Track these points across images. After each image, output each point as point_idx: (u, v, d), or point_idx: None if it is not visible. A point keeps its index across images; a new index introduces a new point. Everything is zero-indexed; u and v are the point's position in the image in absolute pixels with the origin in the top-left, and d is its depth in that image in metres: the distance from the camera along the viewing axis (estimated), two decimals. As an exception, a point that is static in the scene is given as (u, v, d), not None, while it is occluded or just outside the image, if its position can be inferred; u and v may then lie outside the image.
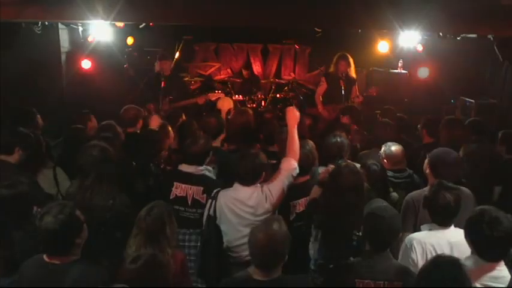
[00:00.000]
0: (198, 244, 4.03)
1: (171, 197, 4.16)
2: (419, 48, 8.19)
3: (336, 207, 3.57)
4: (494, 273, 2.91)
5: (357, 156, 5.03)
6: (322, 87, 7.50)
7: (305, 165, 4.19)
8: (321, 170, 4.12)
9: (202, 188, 4.14)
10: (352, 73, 7.46)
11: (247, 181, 3.82)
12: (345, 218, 3.54)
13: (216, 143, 4.88)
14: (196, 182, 4.16)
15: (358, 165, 4.15)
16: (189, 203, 4.15)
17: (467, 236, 3.00)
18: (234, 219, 3.81)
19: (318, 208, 3.74)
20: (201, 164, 4.24)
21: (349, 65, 7.34)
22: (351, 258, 3.35)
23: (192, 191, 4.15)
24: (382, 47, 8.54)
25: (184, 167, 4.25)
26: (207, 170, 4.27)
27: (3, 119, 5.26)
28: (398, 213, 3.29)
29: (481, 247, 2.92)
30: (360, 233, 3.41)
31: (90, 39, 7.80)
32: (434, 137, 5.31)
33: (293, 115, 4.16)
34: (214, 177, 4.34)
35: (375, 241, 3.08)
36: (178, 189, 4.18)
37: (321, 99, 7.49)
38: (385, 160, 4.61)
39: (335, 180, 3.62)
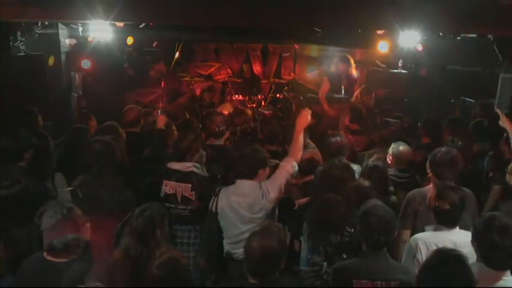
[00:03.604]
0: (191, 241, 4.10)
1: (161, 195, 4.18)
2: (419, 48, 8.18)
3: (325, 199, 3.58)
4: (500, 283, 2.76)
5: (355, 157, 5.04)
6: (325, 86, 7.53)
7: (310, 165, 4.22)
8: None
9: (190, 185, 4.14)
10: (353, 72, 7.47)
11: (247, 174, 3.85)
12: (335, 209, 3.54)
13: (220, 142, 4.91)
14: (184, 179, 4.17)
15: (355, 166, 4.18)
16: (179, 200, 4.16)
17: (475, 242, 2.86)
18: (233, 216, 3.85)
19: (311, 200, 3.77)
20: (188, 161, 4.23)
21: (349, 66, 7.37)
22: (344, 256, 3.35)
23: (180, 188, 4.16)
24: (382, 47, 8.54)
25: (173, 164, 4.26)
26: (194, 167, 4.25)
27: (3, 118, 5.26)
28: (393, 212, 3.27)
29: (488, 254, 2.77)
30: (352, 230, 3.42)
31: (90, 39, 7.80)
32: (431, 138, 5.32)
33: (305, 119, 4.18)
34: (203, 174, 4.31)
35: (371, 240, 3.06)
36: (168, 186, 4.19)
37: (325, 98, 7.52)
38: (391, 158, 4.62)
39: (325, 174, 3.65)
